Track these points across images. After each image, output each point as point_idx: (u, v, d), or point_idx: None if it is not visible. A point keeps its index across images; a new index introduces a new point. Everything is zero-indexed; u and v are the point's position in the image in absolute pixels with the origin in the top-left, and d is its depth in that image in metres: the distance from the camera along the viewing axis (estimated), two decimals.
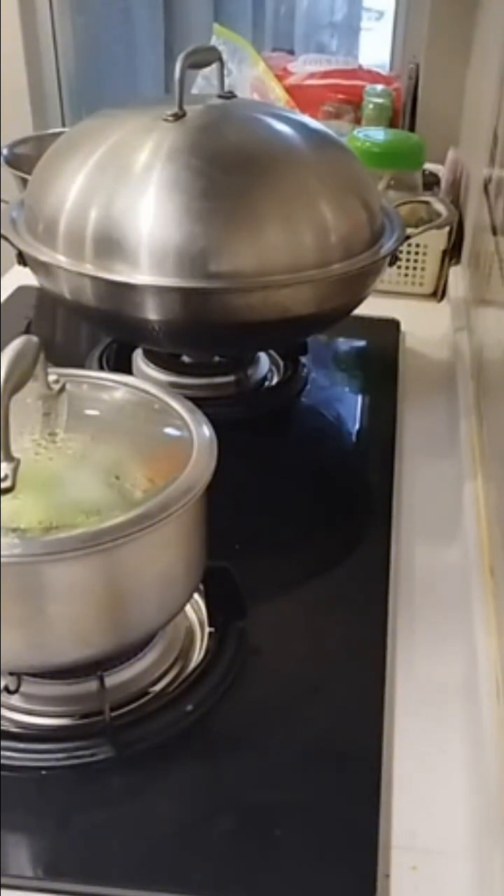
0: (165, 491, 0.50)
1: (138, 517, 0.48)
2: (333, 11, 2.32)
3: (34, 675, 0.55)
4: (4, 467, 0.47)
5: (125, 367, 0.88)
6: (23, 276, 0.89)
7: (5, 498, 0.47)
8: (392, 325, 1.02)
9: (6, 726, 0.55)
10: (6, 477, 0.47)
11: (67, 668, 0.53)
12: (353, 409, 0.92)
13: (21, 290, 1.05)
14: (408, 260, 1.11)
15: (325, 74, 1.45)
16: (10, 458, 0.48)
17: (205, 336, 0.77)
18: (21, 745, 0.53)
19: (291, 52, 1.75)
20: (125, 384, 0.59)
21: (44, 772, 0.52)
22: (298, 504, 0.76)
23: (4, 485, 0.47)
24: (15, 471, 0.47)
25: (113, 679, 0.55)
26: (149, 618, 0.53)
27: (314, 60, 1.52)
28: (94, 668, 0.54)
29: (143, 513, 0.48)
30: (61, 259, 0.74)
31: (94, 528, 0.48)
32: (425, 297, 1.13)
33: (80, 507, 0.49)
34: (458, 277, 1.11)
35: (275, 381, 0.91)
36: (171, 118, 0.74)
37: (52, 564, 0.47)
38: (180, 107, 0.75)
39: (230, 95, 0.81)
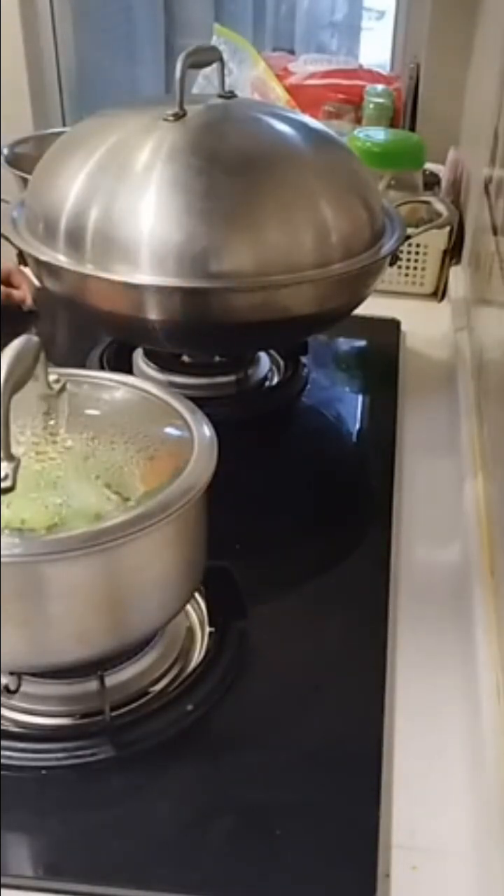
0: (166, 491, 0.50)
1: (138, 517, 0.48)
2: (334, 11, 2.32)
3: (34, 674, 0.55)
4: (5, 467, 0.47)
5: (125, 366, 0.88)
6: None
7: (5, 497, 0.47)
8: (392, 325, 1.02)
9: (6, 726, 0.55)
10: (6, 476, 0.47)
11: (68, 668, 0.53)
12: (353, 408, 0.92)
13: None
14: (408, 260, 1.11)
15: (326, 74, 1.45)
16: (10, 457, 0.47)
17: (205, 336, 0.77)
18: (21, 745, 0.53)
19: (292, 52, 1.75)
20: (125, 384, 0.59)
21: (44, 771, 0.52)
22: (298, 504, 0.76)
23: (5, 484, 0.47)
24: (15, 470, 0.47)
25: (113, 679, 0.55)
26: (149, 618, 0.53)
27: (315, 60, 1.52)
28: (95, 667, 0.54)
29: (143, 513, 0.48)
30: (61, 259, 0.74)
31: (94, 527, 0.48)
32: (426, 296, 1.13)
33: (81, 506, 0.49)
34: (458, 277, 1.11)
35: (275, 380, 0.91)
36: (171, 118, 0.74)
37: (53, 564, 0.47)
38: (181, 106, 0.75)
39: (231, 95, 0.81)
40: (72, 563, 0.47)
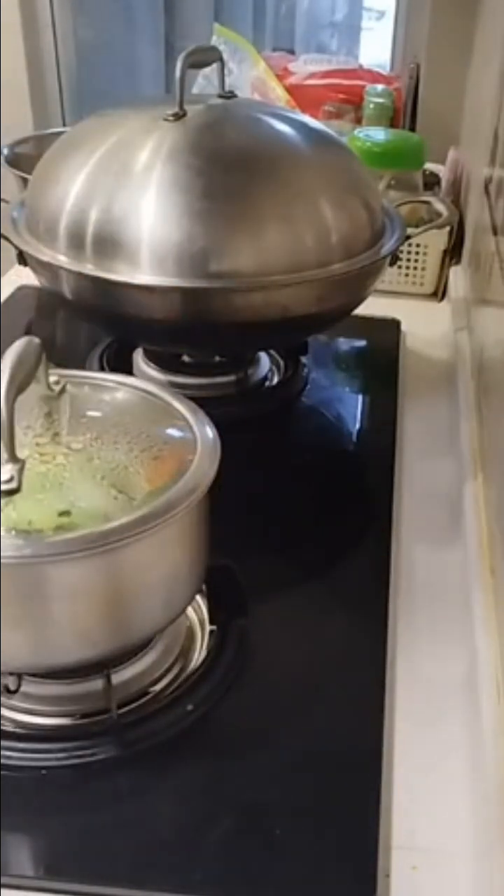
0: (169, 491, 0.50)
1: (143, 517, 0.48)
2: (334, 11, 2.33)
3: (35, 674, 0.55)
4: (10, 469, 0.47)
5: (125, 366, 0.88)
6: (23, 276, 0.89)
7: (12, 499, 0.47)
8: (392, 325, 1.02)
9: (6, 726, 0.55)
10: (12, 478, 0.47)
11: (71, 668, 0.54)
12: (353, 408, 0.92)
13: (21, 290, 1.05)
14: (408, 260, 1.11)
15: (326, 74, 1.45)
16: (15, 459, 0.48)
17: (205, 336, 0.77)
18: (21, 745, 0.53)
19: (292, 52, 1.75)
20: (126, 385, 0.59)
21: (44, 771, 0.52)
22: (299, 503, 0.76)
23: (10, 486, 0.47)
24: (20, 472, 0.47)
25: (115, 678, 0.55)
26: (153, 617, 0.54)
27: (315, 60, 1.52)
28: (98, 667, 0.54)
29: (147, 513, 0.48)
30: (62, 259, 0.74)
31: (99, 528, 0.48)
32: (426, 296, 1.13)
33: (88, 507, 0.49)
34: (458, 277, 1.11)
35: (275, 380, 0.91)
36: (171, 118, 0.74)
37: (58, 565, 0.47)
38: (181, 106, 0.75)
39: (231, 95, 0.81)
40: (77, 563, 0.47)
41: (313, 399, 0.90)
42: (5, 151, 1.11)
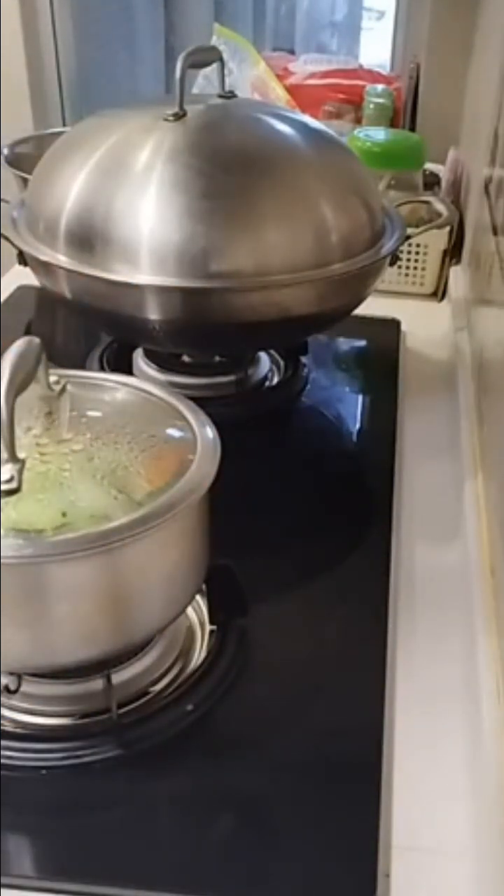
0: (170, 491, 0.50)
1: (144, 517, 0.48)
2: (334, 11, 2.33)
3: (36, 674, 0.55)
4: (10, 469, 0.47)
5: (125, 366, 0.88)
6: (23, 276, 0.89)
7: (12, 499, 0.47)
8: (392, 325, 1.02)
9: (6, 726, 0.55)
10: (12, 478, 0.47)
11: (72, 668, 0.54)
12: (353, 408, 0.92)
13: (21, 290, 1.05)
14: (408, 260, 1.11)
15: (326, 74, 1.45)
16: (15, 459, 0.48)
17: (205, 336, 0.77)
18: (23, 745, 0.53)
19: (292, 52, 1.75)
20: (127, 385, 0.59)
21: (44, 771, 0.52)
22: (299, 503, 0.76)
23: (10, 486, 0.47)
24: (20, 472, 0.47)
25: (115, 678, 0.55)
26: (154, 617, 0.54)
27: (315, 60, 1.52)
28: (98, 667, 0.54)
29: (147, 513, 0.48)
30: (61, 259, 0.74)
31: (99, 528, 0.48)
32: (426, 296, 1.13)
33: (88, 507, 0.49)
34: (458, 277, 1.11)
35: (275, 380, 0.91)
36: (171, 118, 0.74)
37: (59, 565, 0.47)
38: (181, 106, 0.75)
39: (231, 95, 0.81)
40: (78, 563, 0.47)
41: (313, 399, 0.90)
42: (5, 151, 1.11)
